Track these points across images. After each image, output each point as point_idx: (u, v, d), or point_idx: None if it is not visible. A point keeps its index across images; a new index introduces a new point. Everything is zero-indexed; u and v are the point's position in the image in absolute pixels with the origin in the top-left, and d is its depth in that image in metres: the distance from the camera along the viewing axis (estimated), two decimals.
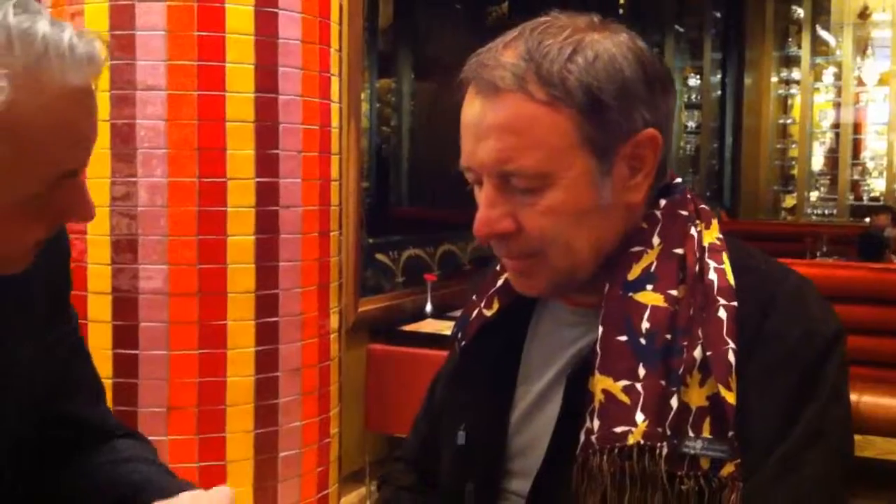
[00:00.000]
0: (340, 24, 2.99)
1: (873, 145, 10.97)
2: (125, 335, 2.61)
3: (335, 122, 2.92)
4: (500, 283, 1.18)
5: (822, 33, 10.80)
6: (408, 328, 4.30)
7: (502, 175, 1.01)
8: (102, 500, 1.16)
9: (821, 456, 0.99)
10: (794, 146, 10.87)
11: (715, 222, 1.10)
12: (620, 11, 8.84)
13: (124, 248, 2.61)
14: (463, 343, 1.20)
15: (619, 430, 0.97)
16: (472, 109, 1.02)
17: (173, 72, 2.57)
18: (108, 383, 2.60)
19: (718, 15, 10.61)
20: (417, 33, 5.42)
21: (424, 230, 5.15)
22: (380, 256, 4.65)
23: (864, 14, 10.49)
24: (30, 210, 0.89)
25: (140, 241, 2.60)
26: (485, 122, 1.00)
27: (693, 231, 1.07)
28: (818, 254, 6.86)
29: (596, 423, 0.99)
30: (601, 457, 0.98)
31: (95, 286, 2.62)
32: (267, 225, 2.68)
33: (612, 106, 0.99)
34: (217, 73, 2.60)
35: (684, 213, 1.08)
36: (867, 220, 9.87)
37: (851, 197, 10.68)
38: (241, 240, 2.65)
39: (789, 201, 10.89)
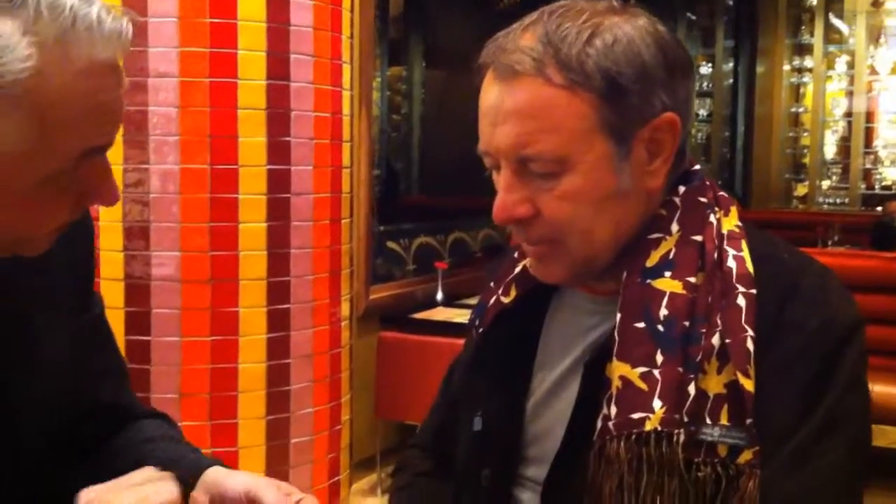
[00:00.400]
0: (352, 11, 2.99)
1: (886, 134, 10.90)
2: (137, 321, 2.62)
3: (346, 109, 2.92)
4: (517, 270, 1.18)
5: (835, 21, 10.73)
6: (418, 316, 4.30)
7: (520, 160, 1.00)
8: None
9: (838, 445, 0.98)
10: (805, 134, 10.82)
11: (734, 209, 1.09)
12: None
13: (137, 235, 2.61)
14: (480, 330, 1.20)
15: (636, 416, 0.97)
16: (491, 94, 1.02)
17: (185, 59, 2.57)
18: None
19: (731, 2, 10.55)
20: (428, 21, 5.41)
21: (435, 218, 5.15)
22: (391, 244, 4.65)
23: (877, 2, 10.42)
24: (54, 189, 0.88)
25: (152, 227, 2.61)
26: (503, 106, 1.00)
27: (712, 218, 1.06)
28: (830, 243, 6.83)
29: (613, 410, 0.99)
30: (618, 443, 0.97)
31: (108, 273, 2.62)
32: (278, 212, 2.68)
33: (631, 90, 0.99)
34: (229, 60, 2.60)
35: (703, 200, 1.08)
36: (879, 208, 9.84)
37: (863, 185, 10.63)
38: (252, 227, 2.65)
39: (801, 190, 10.84)
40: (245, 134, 2.63)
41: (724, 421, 0.97)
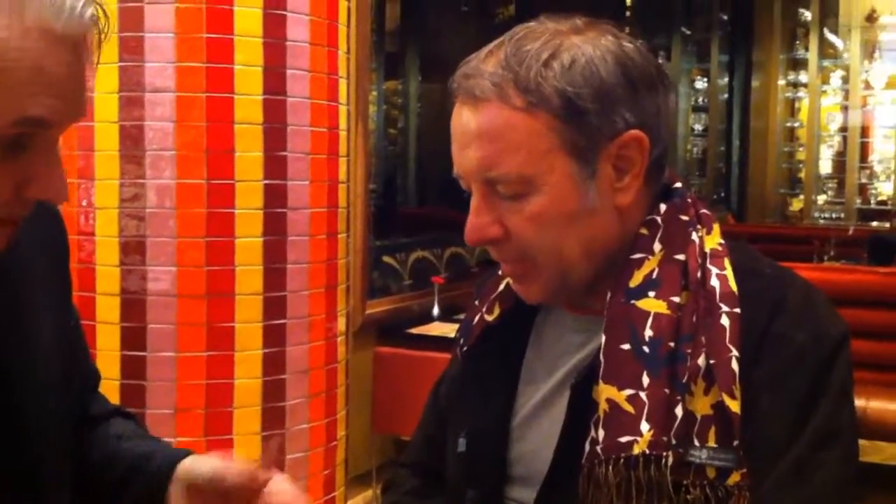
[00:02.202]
0: (348, 25, 2.99)
1: (881, 149, 10.94)
2: (133, 337, 2.61)
3: (343, 124, 2.92)
4: (501, 287, 1.18)
5: (830, 36, 10.78)
6: (415, 331, 4.30)
7: (487, 182, 1.03)
8: (113, 472, 1.18)
9: (833, 458, 0.99)
10: (801, 149, 10.85)
11: (716, 227, 1.10)
12: (627, 14, 8.83)
13: (133, 250, 2.61)
14: (465, 348, 1.20)
15: (624, 439, 0.97)
16: (458, 118, 1.05)
17: (182, 74, 2.58)
18: (115, 385, 2.61)
19: (725, 17, 10.60)
20: (424, 35, 5.42)
21: (432, 232, 5.16)
22: (387, 259, 4.65)
23: (871, 17, 10.47)
24: None
25: (148, 242, 2.60)
26: (469, 130, 1.03)
27: (694, 236, 1.06)
28: (826, 257, 6.84)
29: (601, 433, 0.99)
30: (607, 467, 0.97)
31: (104, 287, 2.62)
32: (275, 227, 2.68)
33: (590, 109, 1.00)
34: (225, 74, 2.60)
35: (685, 217, 1.08)
36: (874, 223, 9.85)
37: (859, 200, 10.66)
38: (249, 241, 2.65)
39: (796, 204, 10.86)
40: (241, 149, 2.63)
41: (712, 442, 0.97)
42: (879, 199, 10.73)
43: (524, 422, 1.14)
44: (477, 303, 1.22)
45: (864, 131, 10.82)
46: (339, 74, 2.87)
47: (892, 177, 10.60)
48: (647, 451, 0.96)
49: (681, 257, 1.04)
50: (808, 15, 10.74)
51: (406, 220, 5.33)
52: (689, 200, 1.10)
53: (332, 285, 2.87)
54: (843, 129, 10.79)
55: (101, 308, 2.62)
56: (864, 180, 10.78)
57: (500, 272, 1.19)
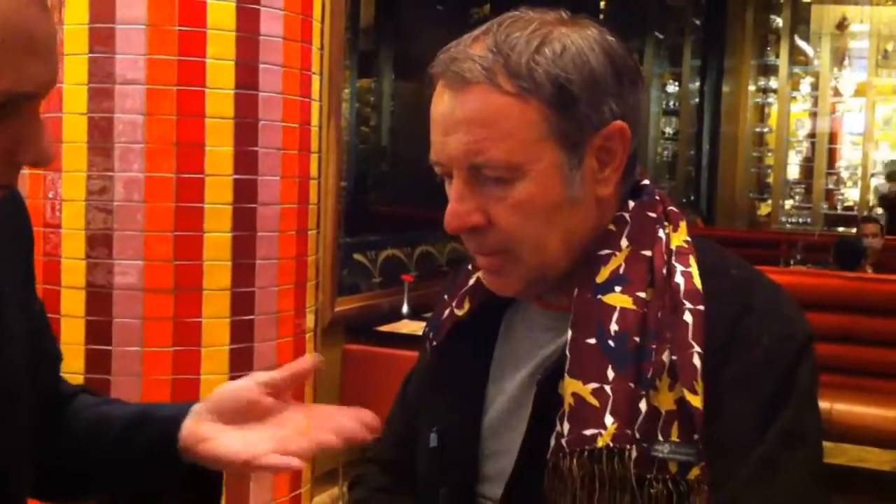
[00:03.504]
0: (323, 21, 2.98)
1: (848, 155, 11.08)
2: (98, 331, 2.58)
3: (315, 120, 2.91)
4: (471, 282, 1.17)
5: (801, 43, 10.90)
6: (384, 328, 4.29)
7: (472, 168, 1.01)
8: (110, 431, 1.15)
9: (798, 459, 0.99)
10: (770, 154, 10.96)
11: (683, 224, 1.10)
12: (601, 17, 8.86)
13: (99, 243, 2.58)
14: (434, 343, 1.19)
15: (588, 432, 0.97)
16: (442, 103, 1.02)
17: (153, 66, 2.55)
18: (79, 379, 2.57)
19: (698, 22, 10.68)
20: (399, 33, 5.41)
21: (402, 230, 5.15)
22: (357, 256, 4.64)
23: (842, 25, 10.59)
24: None
25: (116, 235, 2.58)
26: (454, 115, 1.00)
27: (661, 233, 1.06)
28: (792, 262, 6.91)
29: (566, 427, 0.99)
30: (571, 459, 0.97)
31: (69, 281, 2.59)
32: (244, 222, 2.66)
33: (581, 98, 1.00)
34: (197, 68, 2.58)
35: (653, 214, 1.08)
36: (840, 229, 9.96)
37: (825, 206, 10.79)
38: (218, 236, 2.63)
39: (764, 209, 10.98)
40: (212, 143, 2.61)
41: (674, 437, 0.97)
42: (846, 204, 10.86)
43: (495, 418, 1.13)
44: (446, 297, 1.20)
45: (832, 137, 10.95)
46: (312, 70, 2.86)
47: (859, 183, 10.73)
48: (611, 444, 0.96)
49: (647, 253, 1.05)
50: (779, 22, 10.86)
51: (377, 218, 5.32)
52: (658, 198, 1.11)
53: (302, 282, 2.86)
54: (812, 135, 10.92)
55: (66, 301, 2.59)
56: (831, 186, 10.91)
57: (469, 267, 1.19)
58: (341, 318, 4.29)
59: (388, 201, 5.48)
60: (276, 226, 2.74)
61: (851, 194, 10.90)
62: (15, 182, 0.91)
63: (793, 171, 10.83)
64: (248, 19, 2.63)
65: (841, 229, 9.93)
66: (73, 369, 2.59)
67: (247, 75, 2.64)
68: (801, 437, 1.00)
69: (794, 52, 10.89)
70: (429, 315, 1.26)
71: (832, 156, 11.00)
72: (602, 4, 9.20)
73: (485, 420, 1.14)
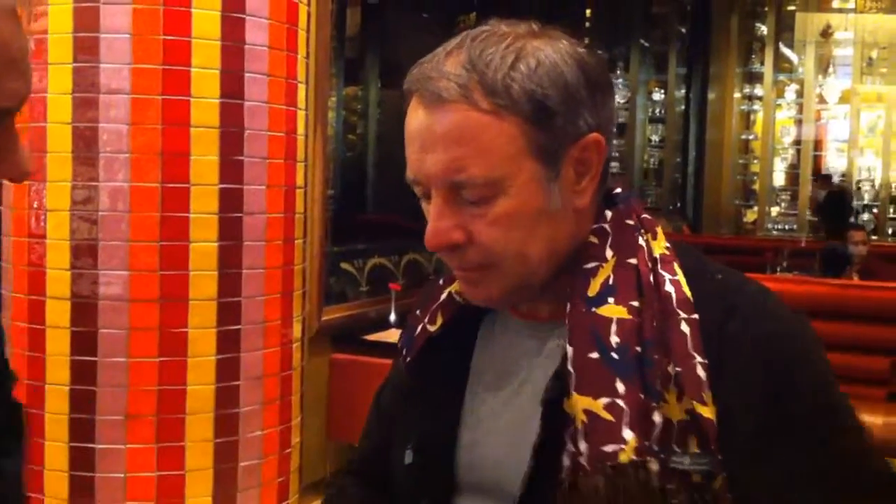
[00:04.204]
0: (308, 30, 2.97)
1: (833, 162, 11.13)
2: (84, 341, 2.57)
3: (301, 129, 2.90)
4: (443, 297, 1.17)
5: (785, 50, 10.95)
6: (371, 337, 4.28)
7: (451, 186, 1.00)
8: None
9: (838, 433, 1.02)
10: (755, 161, 11.00)
11: (660, 231, 1.09)
12: (587, 24, 8.90)
13: (84, 253, 2.57)
14: (408, 360, 1.18)
15: (609, 448, 0.96)
16: (417, 121, 1.02)
17: (138, 75, 2.54)
18: (65, 390, 2.56)
19: (684, 30, 10.72)
20: (385, 42, 5.41)
21: (389, 239, 5.14)
22: (344, 265, 4.63)
23: (826, 32, 10.65)
24: None
25: (101, 245, 2.56)
26: (431, 133, 1.00)
27: (641, 241, 1.06)
28: (779, 268, 6.93)
29: (582, 445, 0.97)
30: (595, 478, 0.96)
31: (54, 291, 2.57)
32: (230, 231, 2.66)
33: (558, 111, 1.00)
34: (182, 77, 2.57)
35: (630, 222, 1.08)
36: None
37: (811, 212, 10.83)
38: (203, 246, 2.62)
39: (750, 216, 11.01)
40: (197, 152, 2.60)
41: (693, 447, 0.96)
42: None
43: (476, 429, 1.12)
44: (418, 313, 1.20)
45: (818, 145, 11.00)
46: (297, 79, 2.85)
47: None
48: (635, 458, 0.95)
49: (633, 261, 1.04)
50: (764, 29, 10.90)
51: (364, 227, 5.31)
52: (632, 205, 1.11)
53: (288, 291, 2.85)
54: (797, 142, 10.96)
55: (52, 312, 2.58)
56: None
57: (440, 282, 1.18)
58: (328, 327, 4.28)
59: (375, 209, 5.47)
60: (263, 235, 2.73)
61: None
62: None
63: (778, 178, 10.86)
64: (233, 28, 2.63)
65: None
66: (58, 380, 2.57)
67: (232, 84, 2.64)
68: (834, 414, 1.02)
69: (779, 59, 10.94)
70: None
71: (817, 163, 11.05)
72: (588, 13, 9.23)
73: (463, 433, 1.13)
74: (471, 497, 1.11)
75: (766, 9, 10.89)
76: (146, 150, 2.56)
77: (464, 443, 1.12)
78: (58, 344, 2.57)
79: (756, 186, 10.92)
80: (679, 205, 10.56)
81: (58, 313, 2.57)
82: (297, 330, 2.92)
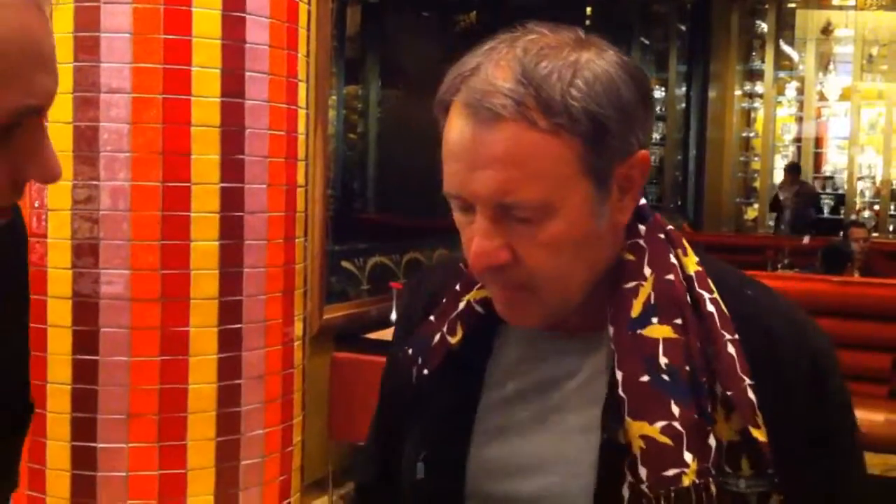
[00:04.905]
0: (308, 29, 2.98)
1: (834, 159, 11.13)
2: (85, 340, 2.57)
3: (302, 127, 2.90)
4: (461, 306, 1.12)
5: (786, 48, 10.95)
6: (373, 336, 4.28)
7: (501, 206, 0.95)
8: None
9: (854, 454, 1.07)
10: (756, 159, 11.00)
11: (688, 245, 1.07)
12: (587, 22, 8.89)
13: (86, 252, 2.57)
14: (425, 371, 1.13)
15: (670, 473, 0.94)
16: (464, 135, 0.95)
17: (138, 74, 2.54)
18: (67, 389, 2.56)
19: (684, 28, 10.72)
20: (385, 40, 5.41)
21: (390, 237, 5.15)
22: (345, 264, 4.63)
23: (827, 30, 10.65)
24: None
25: (102, 245, 2.57)
26: (483, 151, 0.93)
27: (673, 259, 1.04)
28: (780, 266, 6.93)
29: (643, 471, 0.95)
30: (658, 503, 0.94)
31: (55, 290, 2.58)
32: (231, 230, 2.66)
33: (614, 130, 0.95)
34: (183, 76, 2.57)
35: (662, 236, 1.06)
36: (841, 234, 10.00)
37: (813, 210, 10.82)
38: (205, 245, 2.62)
39: (751, 213, 11.01)
40: (198, 151, 2.60)
41: (745, 469, 0.96)
42: (832, 207, 10.91)
43: (494, 443, 1.09)
44: (433, 320, 1.14)
45: (818, 142, 11.00)
46: (298, 78, 2.85)
47: (846, 187, 10.77)
48: (697, 482, 0.94)
49: (671, 277, 1.02)
50: (764, 27, 10.90)
51: (365, 225, 5.31)
52: (657, 218, 1.08)
53: (290, 290, 2.85)
54: (798, 139, 10.96)
55: (53, 311, 2.58)
56: (817, 190, 10.95)
57: (457, 288, 1.13)
58: (329, 325, 4.28)
59: (375, 208, 5.47)
60: (264, 234, 2.73)
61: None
62: (18, 200, 0.87)
63: (779, 176, 10.85)
64: (233, 27, 2.63)
65: (841, 234, 9.97)
66: (60, 379, 2.57)
67: (233, 83, 2.64)
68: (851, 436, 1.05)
69: (780, 56, 10.94)
70: None
71: (818, 160, 11.05)
72: (588, 10, 9.23)
73: (478, 448, 1.09)
74: None
75: (767, 6, 10.89)
76: (147, 149, 2.56)
77: (478, 457, 1.09)
78: (59, 343, 2.57)
79: (757, 184, 10.92)
80: (680, 203, 10.55)
81: (59, 312, 2.57)
82: (298, 329, 2.92)
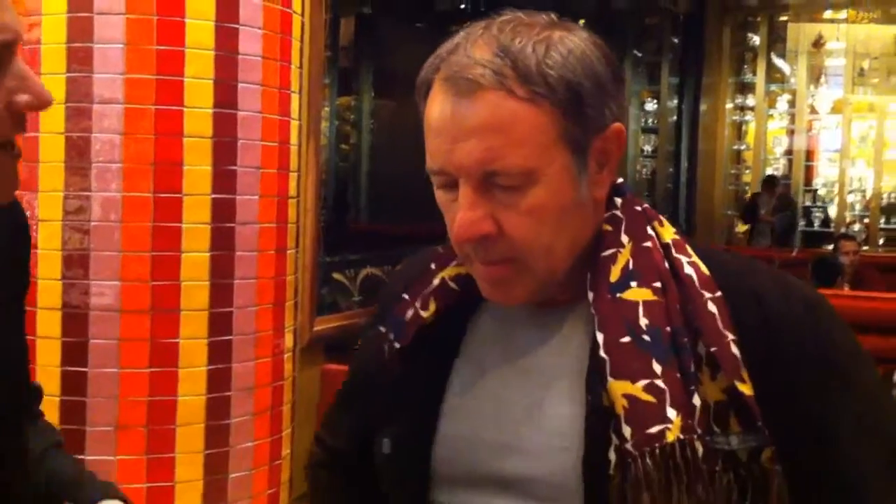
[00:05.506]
0: (302, 41, 2.98)
1: (825, 172, 11.17)
2: (75, 352, 2.56)
3: (294, 139, 2.90)
4: (436, 282, 1.13)
5: (777, 61, 11.00)
6: None
7: (485, 176, 0.98)
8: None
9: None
10: (747, 172, 11.03)
11: (664, 218, 1.10)
12: None
13: (76, 264, 2.56)
14: (397, 345, 1.13)
15: (654, 430, 0.94)
16: (444, 110, 0.99)
17: (131, 85, 2.54)
18: (55, 401, 2.55)
19: (676, 41, 10.75)
20: (379, 52, 5.42)
21: (382, 248, 5.14)
22: (336, 275, 4.62)
23: (818, 43, 10.70)
24: None
25: (92, 256, 2.56)
26: (465, 122, 0.97)
27: (650, 230, 1.06)
28: None
29: (626, 430, 0.95)
30: (643, 461, 0.94)
31: (45, 301, 2.56)
32: (223, 242, 2.65)
33: (589, 101, 0.99)
34: (175, 87, 2.57)
35: (639, 209, 1.08)
36: (830, 247, 10.04)
37: (803, 222, 10.86)
38: (195, 256, 2.61)
39: (742, 226, 11.03)
40: (190, 162, 2.59)
41: (734, 426, 0.96)
42: (823, 221, 10.94)
43: (470, 418, 1.08)
44: (406, 297, 1.15)
45: (809, 155, 11.04)
46: (291, 89, 2.85)
47: (836, 200, 10.81)
48: (682, 437, 0.94)
49: (648, 245, 1.04)
50: (756, 40, 10.95)
51: (357, 236, 5.31)
52: (631, 195, 1.10)
53: (280, 301, 2.84)
54: (789, 152, 11.00)
55: (42, 322, 2.57)
56: (808, 203, 10.99)
57: (432, 266, 1.14)
58: (320, 337, 4.27)
59: (367, 219, 5.47)
60: (255, 245, 2.72)
61: (829, 211, 10.99)
62: (21, 133, 0.94)
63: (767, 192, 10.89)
64: (226, 38, 2.62)
65: (831, 247, 10.01)
66: (48, 391, 2.56)
67: (225, 94, 2.63)
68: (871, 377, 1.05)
69: (771, 70, 10.99)
70: None
71: (809, 173, 11.09)
72: (581, 22, 9.24)
73: (450, 423, 1.09)
74: (456, 488, 1.08)
75: (759, 19, 10.95)
76: (139, 160, 2.55)
77: (450, 432, 1.09)
78: (48, 354, 2.56)
79: (748, 196, 10.95)
80: (671, 215, 10.58)
81: (49, 324, 2.56)
82: (289, 340, 2.91)
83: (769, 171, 10.97)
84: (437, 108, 1.00)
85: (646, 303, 1.00)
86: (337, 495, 1.28)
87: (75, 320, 2.56)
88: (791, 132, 10.99)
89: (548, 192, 0.98)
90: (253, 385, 2.75)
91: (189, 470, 2.63)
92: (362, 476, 1.20)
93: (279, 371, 2.86)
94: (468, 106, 0.97)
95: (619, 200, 1.08)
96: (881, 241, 10.52)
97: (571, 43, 0.99)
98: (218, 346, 2.66)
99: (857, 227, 10.54)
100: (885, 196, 10.65)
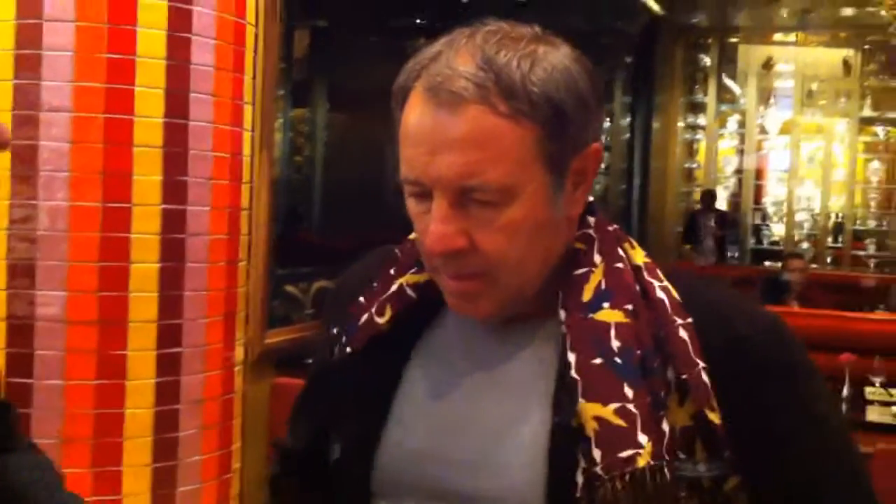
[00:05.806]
0: (256, 51, 2.96)
1: (774, 191, 11.34)
2: (19, 363, 2.51)
3: (247, 150, 2.88)
4: (394, 288, 1.11)
5: (728, 82, 11.17)
6: None
7: (462, 190, 0.96)
8: None
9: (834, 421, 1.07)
10: (698, 189, 11.16)
11: (634, 242, 1.10)
12: None
13: (21, 273, 2.52)
14: (349, 350, 1.11)
15: (625, 454, 0.93)
16: (423, 119, 0.96)
17: (80, 93, 2.51)
18: None
19: (629, 60, 10.87)
20: (333, 64, 5.41)
21: (335, 261, 5.12)
22: (289, 288, 4.59)
23: (768, 64, 10.89)
24: None
25: (38, 266, 2.51)
26: (445, 134, 0.95)
27: (620, 251, 1.06)
28: None
29: (596, 453, 0.94)
30: (613, 485, 0.93)
31: None
32: (172, 253, 2.62)
33: (572, 120, 0.98)
34: (126, 96, 2.54)
35: (610, 229, 1.08)
36: (766, 263, 10.19)
37: (753, 241, 11.02)
38: (144, 267, 2.58)
39: (686, 244, 11.15)
40: (140, 172, 2.56)
41: (700, 453, 0.96)
42: (772, 239, 11.11)
43: (418, 432, 1.07)
44: (363, 301, 1.13)
45: (759, 174, 11.21)
46: (244, 100, 2.83)
47: (784, 219, 10.98)
48: (652, 463, 0.93)
49: (620, 266, 1.04)
50: (707, 61, 11.11)
51: (309, 249, 5.28)
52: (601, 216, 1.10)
53: (231, 314, 2.82)
54: (739, 171, 11.17)
55: None
56: (757, 221, 11.16)
57: (391, 272, 1.13)
58: (271, 350, 4.22)
59: (320, 232, 5.45)
60: (206, 257, 2.70)
61: (777, 229, 11.16)
62: None
63: (720, 207, 11.04)
64: (178, 48, 2.60)
65: (767, 263, 10.15)
66: None
67: (177, 104, 2.61)
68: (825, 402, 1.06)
69: (722, 90, 11.16)
70: None
71: (758, 192, 11.26)
72: None
73: (399, 430, 1.07)
74: (401, 502, 1.06)
75: (710, 40, 11.11)
76: (87, 169, 2.52)
77: (398, 442, 1.07)
78: None
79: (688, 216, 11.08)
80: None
81: None
82: (239, 353, 2.89)
83: (719, 189, 11.11)
84: (416, 117, 0.97)
85: (618, 325, 0.99)
86: (294, 499, 1.26)
87: (20, 331, 2.51)
88: (741, 152, 11.16)
89: (524, 210, 0.97)
90: (202, 398, 2.72)
91: (136, 484, 2.59)
92: (321, 481, 1.18)
93: (229, 384, 2.83)
94: (449, 118, 0.95)
95: (591, 219, 1.07)
96: (829, 260, 10.71)
97: (556, 59, 0.98)
98: (166, 358, 2.62)
99: (805, 245, 10.72)
100: (832, 215, 10.84)
